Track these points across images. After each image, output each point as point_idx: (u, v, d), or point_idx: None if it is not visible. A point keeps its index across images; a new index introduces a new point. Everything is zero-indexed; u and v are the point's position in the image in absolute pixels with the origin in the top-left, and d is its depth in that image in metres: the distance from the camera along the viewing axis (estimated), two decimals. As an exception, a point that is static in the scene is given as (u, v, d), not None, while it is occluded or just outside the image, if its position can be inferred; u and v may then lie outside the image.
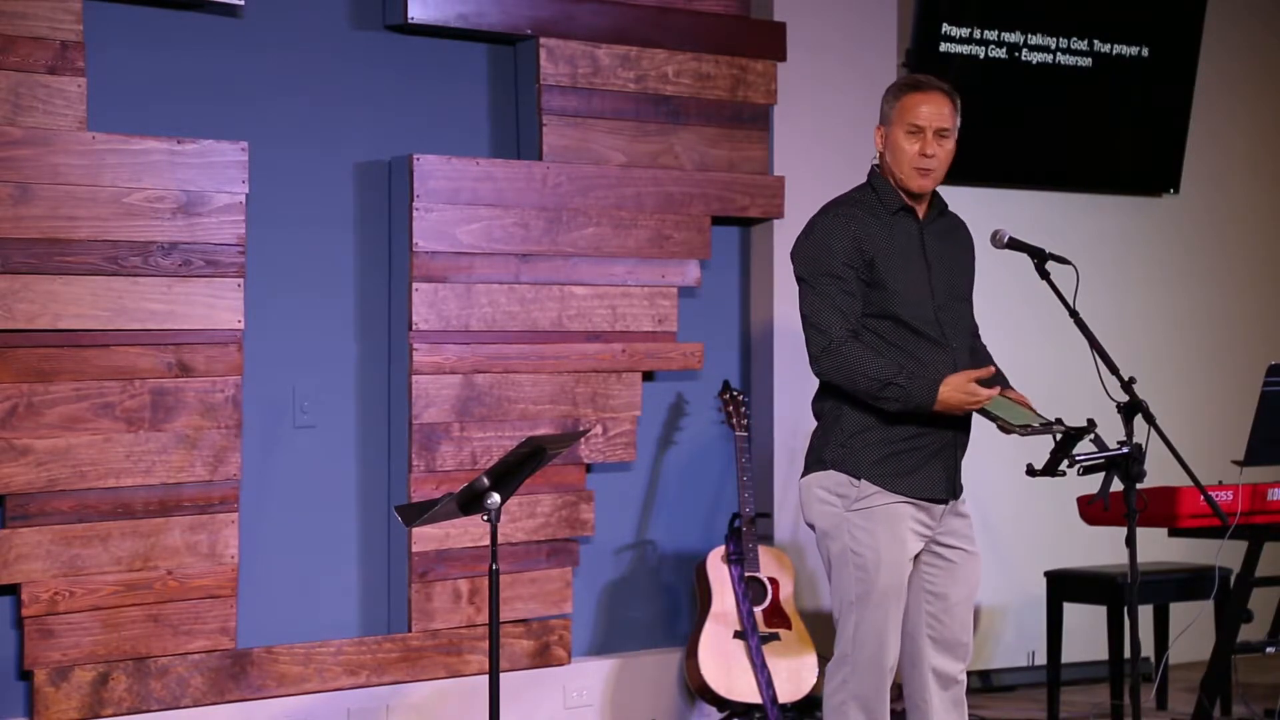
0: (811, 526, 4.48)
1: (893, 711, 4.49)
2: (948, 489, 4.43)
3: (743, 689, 5.88)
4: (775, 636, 5.95)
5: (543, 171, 5.86)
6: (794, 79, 6.43)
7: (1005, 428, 4.36)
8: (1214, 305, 7.55)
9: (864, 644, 4.37)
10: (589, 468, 6.01)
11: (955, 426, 4.42)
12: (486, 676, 4.54)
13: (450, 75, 5.86)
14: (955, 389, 4.30)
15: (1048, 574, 6.32)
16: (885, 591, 4.36)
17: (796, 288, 4.48)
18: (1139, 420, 4.54)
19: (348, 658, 5.53)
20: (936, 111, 4.41)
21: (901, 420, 4.36)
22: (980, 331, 4.68)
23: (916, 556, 4.42)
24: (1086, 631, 6.55)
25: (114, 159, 5.10)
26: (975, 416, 4.44)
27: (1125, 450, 4.50)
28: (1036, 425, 4.36)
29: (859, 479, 4.37)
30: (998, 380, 4.42)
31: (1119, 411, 4.56)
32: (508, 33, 5.85)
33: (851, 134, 6.36)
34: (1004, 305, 6.71)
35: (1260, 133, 7.72)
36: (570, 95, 5.94)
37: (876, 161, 4.52)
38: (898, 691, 4.63)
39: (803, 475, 4.49)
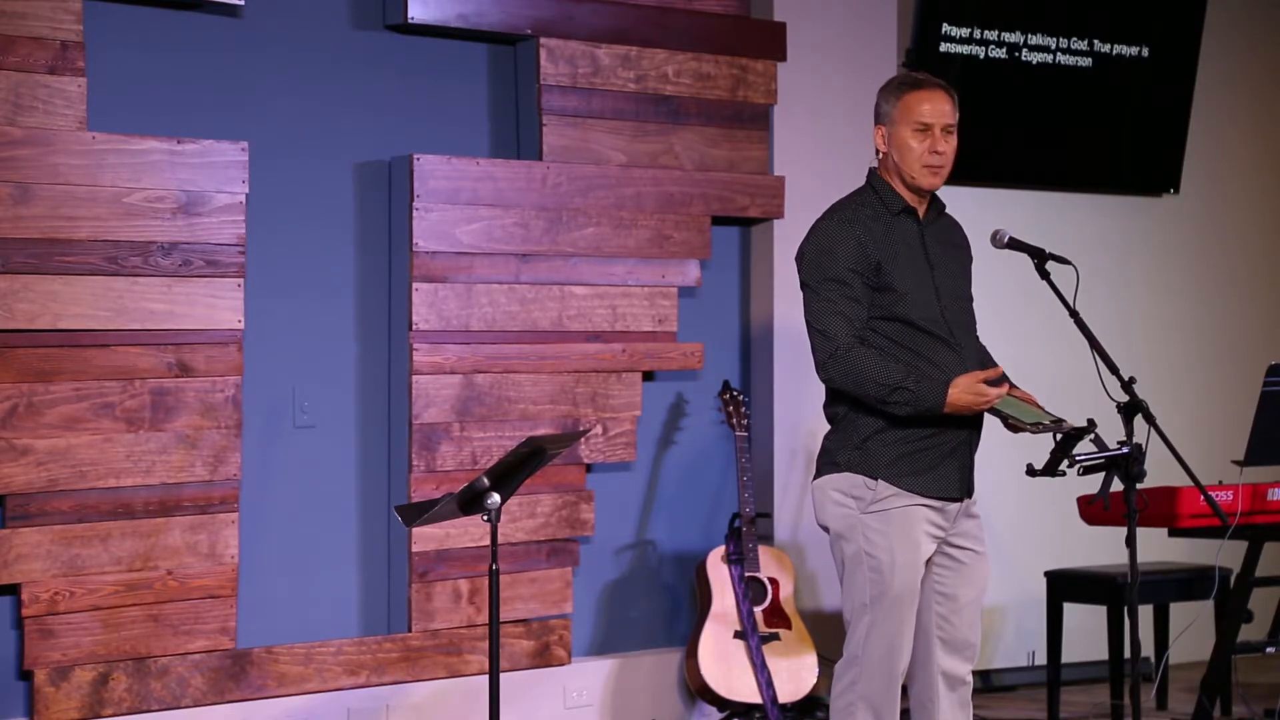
0: (825, 529, 4.46)
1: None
2: (962, 487, 4.42)
3: (743, 689, 5.88)
4: (775, 636, 5.95)
5: (543, 171, 5.86)
6: (794, 79, 6.43)
7: (1016, 426, 4.35)
8: (1214, 305, 7.54)
9: (875, 647, 4.36)
10: (589, 468, 6.01)
11: (968, 425, 4.41)
12: (486, 676, 4.54)
13: (450, 75, 5.85)
14: (964, 390, 4.28)
15: (1048, 574, 6.32)
16: (899, 594, 4.34)
17: (798, 288, 4.46)
18: (1139, 420, 4.54)
19: (348, 658, 5.53)
20: (939, 108, 4.40)
21: (914, 422, 4.35)
22: (979, 331, 4.68)
23: (928, 559, 4.42)
24: (1086, 631, 6.55)
25: (114, 159, 5.10)
26: (985, 415, 4.44)
27: (1125, 450, 4.50)
28: (1047, 422, 4.35)
29: (875, 480, 4.35)
30: (1001, 379, 4.41)
31: (1119, 411, 4.56)
32: (508, 33, 5.84)
33: (851, 134, 6.35)
34: (1004, 305, 6.71)
35: (1260, 133, 7.72)
36: (570, 95, 5.94)
37: (875, 163, 4.51)
38: (902, 691, 4.62)
39: (815, 478, 4.47)
